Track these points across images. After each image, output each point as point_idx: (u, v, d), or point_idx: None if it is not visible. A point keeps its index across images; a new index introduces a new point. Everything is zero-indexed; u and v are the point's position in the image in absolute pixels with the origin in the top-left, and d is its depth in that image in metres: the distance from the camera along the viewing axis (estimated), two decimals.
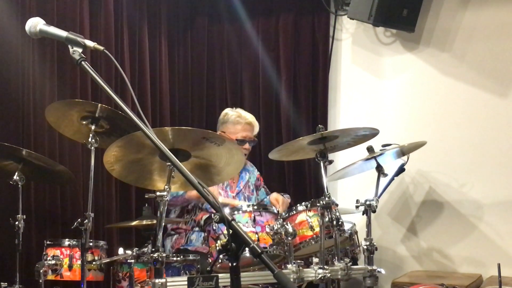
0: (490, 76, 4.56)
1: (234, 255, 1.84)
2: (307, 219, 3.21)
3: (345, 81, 5.05)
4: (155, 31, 4.83)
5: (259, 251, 1.79)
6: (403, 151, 3.97)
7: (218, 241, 3.10)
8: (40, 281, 3.31)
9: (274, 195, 4.21)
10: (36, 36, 2.16)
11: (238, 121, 4.16)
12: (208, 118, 5.05)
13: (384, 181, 3.92)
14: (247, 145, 4.14)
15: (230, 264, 1.86)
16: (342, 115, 5.03)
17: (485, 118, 4.57)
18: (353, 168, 3.91)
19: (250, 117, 4.22)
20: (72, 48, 2.07)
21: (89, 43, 2.09)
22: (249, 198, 4.26)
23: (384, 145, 3.89)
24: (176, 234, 4.09)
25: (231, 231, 1.83)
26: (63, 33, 2.11)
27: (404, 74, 4.86)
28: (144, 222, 3.44)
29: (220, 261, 2.99)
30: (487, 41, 4.57)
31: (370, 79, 4.96)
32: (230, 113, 4.21)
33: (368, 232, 3.40)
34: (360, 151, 3.77)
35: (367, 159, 3.74)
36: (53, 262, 3.38)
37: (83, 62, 2.05)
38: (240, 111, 4.26)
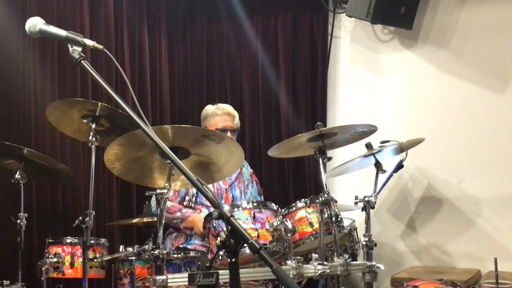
0: (488, 73, 4.58)
1: (233, 251, 1.84)
2: (307, 215, 3.21)
3: (343, 78, 5.06)
4: (154, 30, 4.85)
5: (258, 246, 1.79)
6: (402, 148, 3.98)
7: (218, 238, 3.11)
8: (42, 278, 3.34)
9: None
10: (36, 35, 2.17)
11: (216, 112, 4.22)
12: None
13: (382, 177, 3.94)
14: (228, 134, 4.12)
15: (229, 260, 1.87)
16: (341, 112, 5.04)
17: (483, 114, 4.58)
18: (352, 164, 3.92)
19: (228, 107, 4.28)
20: (72, 47, 2.07)
21: (89, 42, 2.10)
22: (245, 193, 4.27)
23: (382, 142, 3.90)
24: (176, 232, 4.12)
25: (230, 227, 1.84)
26: (62, 33, 2.11)
27: (402, 71, 4.87)
28: (145, 219, 3.47)
29: (220, 257, 3.01)
30: (485, 38, 4.59)
31: (369, 76, 4.97)
32: (209, 107, 4.29)
33: (367, 228, 3.40)
34: (359, 147, 3.78)
35: (366, 156, 3.75)
36: (55, 259, 3.40)
37: (82, 61, 2.05)
38: (219, 104, 4.31)
